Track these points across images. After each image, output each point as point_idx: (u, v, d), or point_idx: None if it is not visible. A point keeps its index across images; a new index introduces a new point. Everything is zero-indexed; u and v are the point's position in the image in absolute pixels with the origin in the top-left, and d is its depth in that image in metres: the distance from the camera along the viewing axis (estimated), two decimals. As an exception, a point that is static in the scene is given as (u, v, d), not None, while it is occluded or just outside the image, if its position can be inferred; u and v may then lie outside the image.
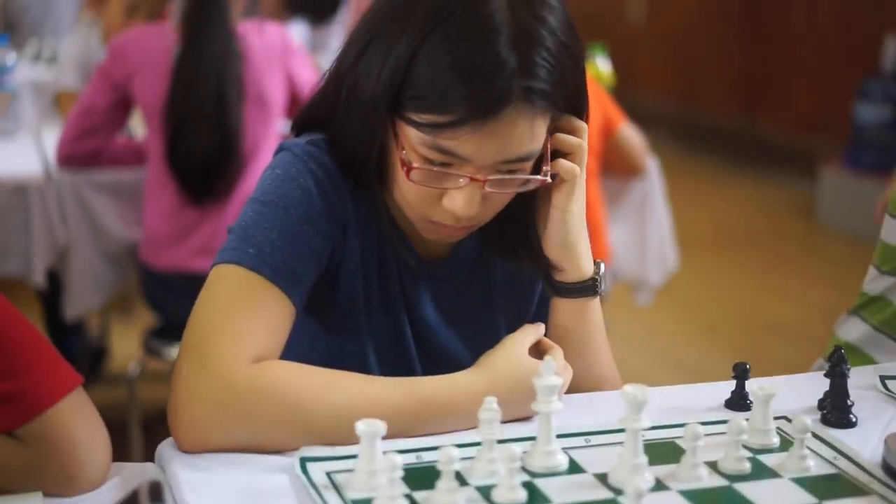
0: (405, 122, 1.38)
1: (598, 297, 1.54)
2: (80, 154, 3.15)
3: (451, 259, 1.57)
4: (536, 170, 1.44)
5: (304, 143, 1.49)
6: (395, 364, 1.55)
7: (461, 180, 1.39)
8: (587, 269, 1.51)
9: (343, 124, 1.46)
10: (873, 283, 1.93)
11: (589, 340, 1.54)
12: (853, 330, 1.94)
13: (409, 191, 1.43)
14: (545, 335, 1.51)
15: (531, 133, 1.38)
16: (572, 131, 1.47)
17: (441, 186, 1.40)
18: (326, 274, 1.48)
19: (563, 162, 1.46)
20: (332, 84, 1.49)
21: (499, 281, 1.61)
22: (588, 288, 1.51)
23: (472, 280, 1.59)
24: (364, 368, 1.50)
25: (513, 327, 1.50)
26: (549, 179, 1.44)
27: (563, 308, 1.53)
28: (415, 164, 1.39)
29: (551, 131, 1.44)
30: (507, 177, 1.40)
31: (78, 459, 1.24)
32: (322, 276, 1.47)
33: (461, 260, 1.58)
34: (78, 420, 1.25)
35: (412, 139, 1.38)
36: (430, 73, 1.35)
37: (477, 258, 1.59)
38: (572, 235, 1.49)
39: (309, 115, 1.54)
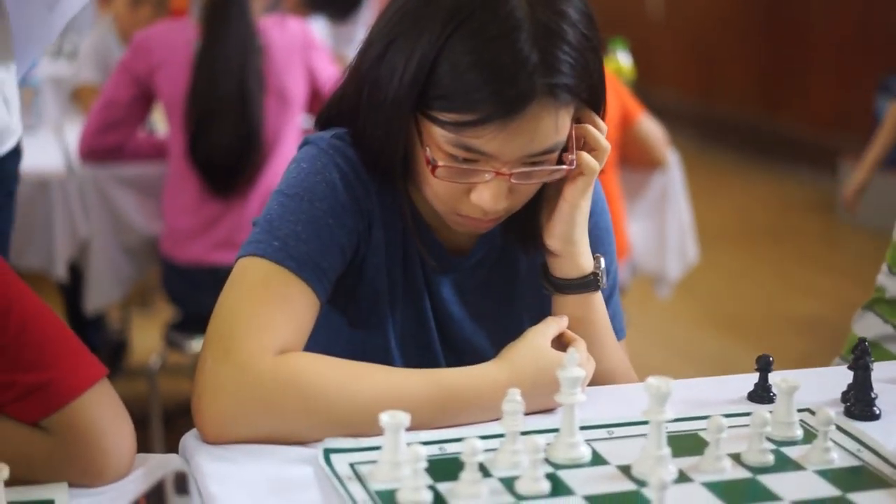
0: (430, 120, 1.39)
1: (599, 293, 1.53)
2: (101, 148, 3.16)
3: (475, 253, 1.57)
4: (561, 159, 1.44)
5: (329, 137, 1.49)
6: (419, 357, 1.55)
7: (487, 175, 1.39)
8: (587, 265, 1.50)
9: (366, 123, 1.46)
10: (886, 280, 1.93)
11: (595, 336, 1.53)
12: (871, 327, 1.93)
13: (436, 186, 1.43)
14: None
15: (556, 126, 1.38)
16: (595, 128, 1.47)
17: (467, 182, 1.41)
18: (351, 267, 1.49)
19: (585, 156, 1.46)
20: (352, 83, 1.49)
21: (522, 274, 1.61)
22: (590, 283, 1.50)
23: (495, 274, 1.59)
24: (387, 362, 1.51)
25: (536, 320, 1.50)
26: (573, 167, 1.44)
27: (565, 305, 1.52)
28: (440, 163, 1.39)
29: (575, 120, 1.44)
30: (533, 169, 1.41)
31: (103, 450, 1.25)
32: (347, 269, 1.48)
33: (485, 254, 1.58)
34: (103, 411, 1.26)
35: (437, 137, 1.39)
36: (454, 74, 1.35)
37: (500, 252, 1.59)
38: (577, 231, 1.48)
39: (331, 112, 1.55)
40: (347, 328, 1.54)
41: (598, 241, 1.59)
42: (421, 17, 1.39)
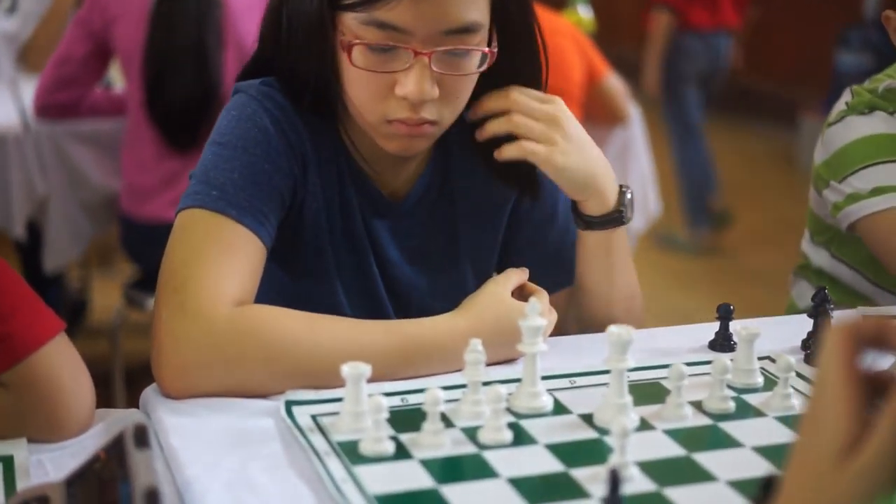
0: (342, 10, 1.39)
1: (622, 229, 1.55)
2: (56, 104, 3.12)
3: (411, 196, 1.57)
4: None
5: (258, 84, 1.49)
6: (364, 304, 1.55)
7: (405, 56, 1.38)
8: (610, 201, 1.52)
9: (290, 53, 1.46)
10: (809, 248, 1.95)
11: (618, 265, 1.57)
12: (805, 293, 1.95)
13: (359, 88, 1.42)
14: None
15: None
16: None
17: (386, 69, 1.39)
18: (290, 213, 1.48)
19: (523, 146, 1.46)
20: (270, 22, 1.49)
21: (462, 218, 1.60)
22: (615, 219, 1.53)
23: (435, 217, 1.59)
24: (336, 311, 1.50)
25: (477, 263, 1.53)
26: (494, 51, 1.44)
27: (590, 239, 1.55)
28: (356, 42, 1.38)
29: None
30: (451, 48, 1.39)
31: (63, 404, 1.23)
32: (286, 216, 1.47)
33: (422, 196, 1.57)
34: (62, 365, 1.24)
35: (351, 25, 1.38)
36: None
37: (439, 195, 1.59)
38: (581, 180, 1.49)
39: (255, 65, 1.54)
40: (293, 280, 1.53)
41: (548, 189, 1.61)
42: None
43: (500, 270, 1.63)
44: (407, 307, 1.57)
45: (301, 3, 1.42)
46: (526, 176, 1.56)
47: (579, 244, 1.57)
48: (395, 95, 1.40)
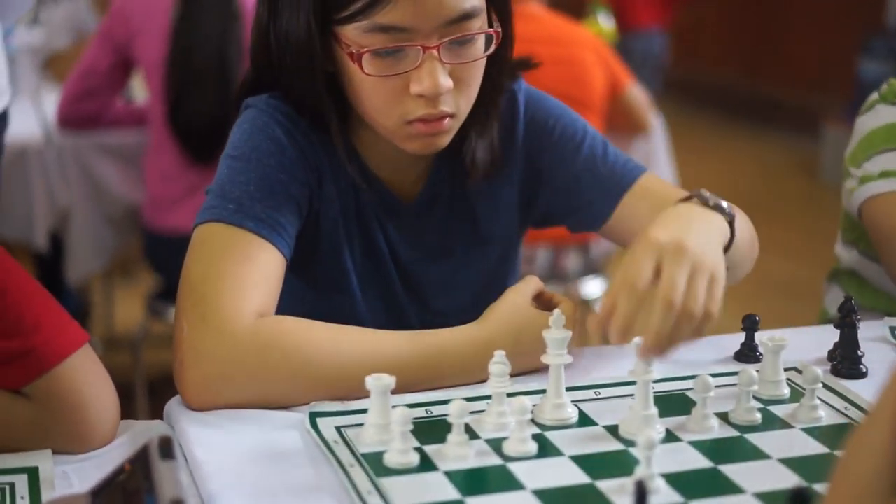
0: (342, 24, 1.39)
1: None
2: (79, 116, 3.14)
3: (424, 193, 1.57)
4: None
5: (266, 97, 1.50)
6: (382, 307, 1.55)
7: (414, 54, 1.38)
8: (725, 225, 1.38)
9: (284, 73, 1.46)
10: (841, 250, 1.94)
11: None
12: (838, 300, 1.94)
13: (373, 94, 1.42)
14: None
15: None
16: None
17: (398, 71, 1.39)
18: (308, 223, 1.48)
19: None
20: (259, 44, 1.49)
21: (479, 204, 1.60)
22: (728, 223, 1.39)
23: (454, 211, 1.58)
24: (354, 317, 1.50)
25: (502, 245, 1.54)
26: (499, 30, 1.44)
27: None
28: (364, 50, 1.38)
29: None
30: (458, 36, 1.39)
31: (87, 416, 1.24)
32: (304, 225, 1.47)
33: (436, 192, 1.57)
34: (86, 376, 1.24)
35: (354, 36, 1.38)
36: None
37: (452, 190, 1.58)
38: (738, 270, 1.49)
39: (251, 84, 1.54)
40: (311, 289, 1.53)
41: (550, 129, 1.59)
42: None
43: (554, 221, 1.63)
44: (427, 306, 1.57)
45: (289, 23, 1.42)
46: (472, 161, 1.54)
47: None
48: (411, 95, 1.40)
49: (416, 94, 1.39)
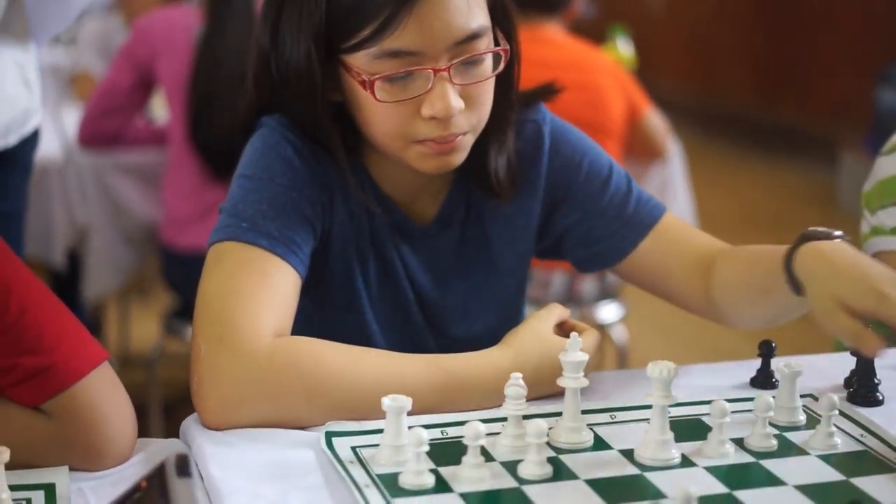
0: (349, 52, 1.39)
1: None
2: (100, 134, 3.16)
3: (440, 217, 1.57)
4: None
5: (278, 116, 1.50)
6: (400, 331, 1.55)
7: (425, 77, 1.38)
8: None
9: (285, 100, 1.47)
10: None
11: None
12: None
13: (385, 119, 1.42)
14: None
15: (467, 4, 1.39)
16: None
17: (410, 95, 1.39)
18: (320, 242, 1.49)
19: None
20: (259, 70, 1.50)
21: (493, 228, 1.59)
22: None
23: (467, 235, 1.58)
24: (367, 340, 1.50)
25: (516, 271, 1.53)
26: (507, 48, 1.45)
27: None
28: (376, 77, 1.38)
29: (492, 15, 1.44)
30: (468, 56, 1.40)
31: (104, 433, 1.24)
32: (317, 244, 1.47)
33: (451, 215, 1.57)
34: (104, 394, 1.25)
35: (363, 63, 1.39)
36: None
37: (466, 212, 1.58)
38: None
39: (249, 110, 1.55)
40: (321, 311, 1.54)
41: (577, 163, 1.59)
42: None
43: (562, 253, 1.62)
44: (442, 330, 1.57)
45: (290, 52, 1.43)
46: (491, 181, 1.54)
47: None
48: (423, 117, 1.40)
49: (429, 117, 1.40)
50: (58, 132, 3.38)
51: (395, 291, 1.56)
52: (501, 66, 1.45)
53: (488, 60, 1.43)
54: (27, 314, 1.23)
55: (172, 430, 1.36)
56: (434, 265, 1.58)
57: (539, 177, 1.59)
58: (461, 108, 1.40)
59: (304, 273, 1.43)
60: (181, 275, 3.18)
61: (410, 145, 1.43)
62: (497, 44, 1.46)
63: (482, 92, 1.44)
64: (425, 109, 1.40)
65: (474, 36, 1.40)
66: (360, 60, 1.39)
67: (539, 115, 1.60)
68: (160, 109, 3.40)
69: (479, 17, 1.41)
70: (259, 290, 1.36)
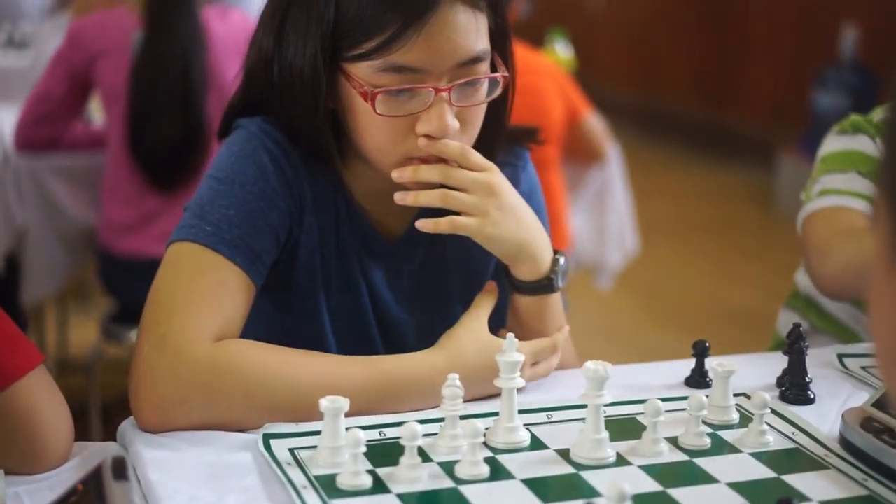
0: (353, 62, 1.40)
1: (557, 293, 1.52)
2: (36, 139, 3.12)
3: (408, 236, 1.57)
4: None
5: (259, 121, 1.50)
6: (356, 344, 1.55)
7: (425, 95, 1.40)
8: (543, 268, 1.49)
9: (285, 104, 1.46)
10: (801, 277, 1.97)
11: (547, 332, 1.52)
12: (790, 323, 1.96)
13: (379, 132, 1.42)
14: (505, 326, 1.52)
15: (475, 27, 1.40)
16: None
17: (408, 111, 1.41)
18: (285, 252, 1.48)
19: (453, 221, 1.44)
20: (258, 70, 1.49)
21: (452, 258, 1.61)
22: (545, 286, 1.49)
23: (429, 257, 1.59)
24: (323, 349, 1.50)
25: (466, 304, 1.51)
26: (506, 75, 1.46)
27: (521, 302, 1.52)
28: (378, 90, 1.39)
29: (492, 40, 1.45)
30: (469, 79, 1.41)
31: (41, 435, 1.23)
32: (281, 254, 1.47)
33: (419, 236, 1.58)
34: (42, 397, 1.24)
35: (366, 74, 1.40)
36: (357, 5, 1.38)
37: (433, 236, 1.59)
38: (513, 249, 1.46)
39: (239, 106, 1.54)
40: (281, 316, 1.54)
41: None
42: None
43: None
44: (399, 348, 1.57)
45: (295, 56, 1.43)
46: None
47: (510, 307, 1.54)
48: (415, 133, 1.42)
49: (423, 134, 1.41)
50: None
51: (354, 305, 1.56)
52: (498, 92, 1.46)
53: (485, 84, 1.44)
54: None
55: (111, 435, 1.35)
56: (395, 283, 1.58)
57: None
58: (456, 129, 1.42)
59: (260, 283, 1.43)
60: (119, 280, 3.15)
61: (399, 162, 1.44)
62: (494, 69, 1.47)
63: (475, 115, 1.46)
64: (421, 126, 1.41)
65: (477, 59, 1.41)
66: (362, 71, 1.40)
67: (521, 161, 1.62)
68: (98, 111, 3.37)
69: (484, 41, 1.42)
70: (211, 296, 1.36)
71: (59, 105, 3.09)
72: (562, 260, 1.50)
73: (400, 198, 1.45)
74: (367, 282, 1.56)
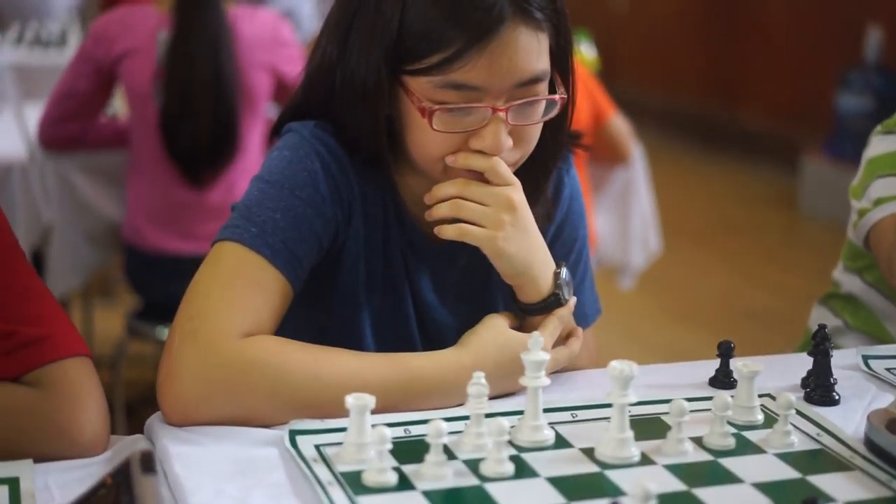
0: (413, 75, 1.40)
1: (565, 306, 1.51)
2: (62, 137, 3.13)
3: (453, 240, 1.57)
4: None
5: (311, 126, 1.50)
6: (396, 348, 1.55)
7: (482, 113, 1.40)
8: (545, 288, 1.48)
9: (345, 110, 1.47)
10: (841, 276, 1.98)
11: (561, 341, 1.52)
12: (822, 320, 1.97)
13: (433, 145, 1.43)
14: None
15: (537, 47, 1.41)
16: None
17: (465, 129, 1.42)
18: (329, 257, 1.49)
19: (461, 228, 1.45)
20: (320, 76, 1.50)
21: None
22: (552, 303, 1.49)
23: (473, 259, 1.58)
24: (361, 349, 1.51)
25: (509, 305, 1.51)
26: (565, 97, 1.47)
27: (533, 320, 1.51)
28: (436, 108, 1.40)
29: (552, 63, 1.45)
30: (527, 100, 1.42)
31: (86, 410, 1.27)
32: (324, 259, 1.48)
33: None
34: (87, 381, 1.29)
35: (425, 89, 1.40)
36: (421, 20, 1.38)
37: None
38: (519, 267, 1.46)
39: (298, 109, 1.55)
40: (321, 319, 1.54)
41: (573, 227, 1.63)
42: None
43: None
44: (437, 350, 1.57)
45: (357, 67, 1.43)
46: None
47: (524, 328, 1.51)
48: (469, 147, 1.43)
49: (476, 150, 1.42)
50: (21, 131, 3.37)
51: (397, 308, 1.56)
52: (555, 112, 1.46)
53: (542, 104, 1.45)
54: (31, 290, 1.30)
55: (135, 431, 1.37)
56: (439, 285, 1.59)
57: (552, 221, 1.62)
58: (509, 147, 1.43)
59: (298, 288, 1.43)
60: (144, 275, 3.17)
61: (449, 171, 1.45)
62: (553, 88, 1.47)
63: (531, 134, 1.46)
64: (475, 142, 1.42)
65: (537, 79, 1.42)
66: (420, 85, 1.41)
67: (565, 164, 1.63)
68: (122, 105, 3.37)
69: (544, 61, 1.43)
70: (248, 296, 1.37)
71: (85, 102, 3.09)
72: (563, 273, 1.50)
73: (427, 214, 1.48)
74: (412, 285, 1.56)
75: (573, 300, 1.52)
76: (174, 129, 3.00)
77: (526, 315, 1.50)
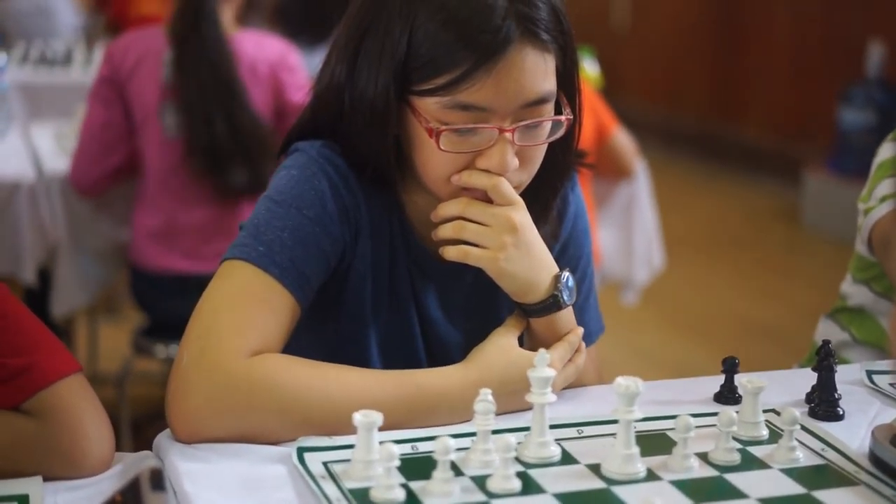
0: (420, 95, 1.42)
1: (565, 309, 1.51)
2: (106, 173, 3.11)
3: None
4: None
5: (319, 145, 1.51)
6: (402, 365, 1.56)
7: (489, 133, 1.41)
8: (543, 290, 1.49)
9: (352, 130, 1.48)
10: (849, 288, 1.98)
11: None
12: (828, 334, 1.97)
13: (440, 165, 1.45)
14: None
15: (544, 68, 1.42)
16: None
17: (472, 150, 1.43)
18: (335, 276, 1.50)
19: (464, 250, 1.47)
20: (329, 96, 1.51)
21: None
22: (551, 305, 1.49)
23: (480, 277, 1.59)
24: (368, 366, 1.52)
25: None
26: (570, 117, 1.48)
27: (533, 324, 1.52)
28: (443, 129, 1.41)
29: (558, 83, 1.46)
30: (533, 121, 1.43)
31: (85, 436, 1.27)
32: (331, 277, 1.49)
33: None
34: (83, 399, 1.29)
35: (432, 109, 1.41)
36: (430, 40, 1.39)
37: None
38: (522, 286, 1.48)
39: (305, 128, 1.56)
40: (327, 337, 1.55)
41: (577, 245, 1.64)
42: (383, 6, 1.43)
43: None
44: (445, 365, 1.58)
45: (366, 88, 1.45)
46: None
47: (527, 329, 1.54)
48: (476, 167, 1.44)
49: (482, 169, 1.43)
50: (28, 149, 3.38)
51: (402, 326, 1.57)
52: (560, 133, 1.48)
53: (549, 124, 1.46)
54: (9, 317, 1.29)
55: (140, 448, 1.37)
56: (445, 303, 1.60)
57: (557, 240, 1.63)
58: (516, 167, 1.44)
59: (305, 306, 1.44)
60: (149, 294, 3.17)
61: (457, 191, 1.47)
62: (559, 109, 1.48)
63: (537, 153, 1.48)
64: (481, 162, 1.43)
65: (543, 100, 1.43)
66: (429, 106, 1.42)
67: (570, 182, 1.64)
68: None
69: (550, 82, 1.44)
70: (256, 314, 1.38)
71: (121, 130, 3.07)
72: (564, 276, 1.50)
73: (433, 234, 1.49)
74: (418, 303, 1.57)
75: (580, 331, 1.52)
76: (197, 141, 2.99)
77: (527, 315, 1.51)
